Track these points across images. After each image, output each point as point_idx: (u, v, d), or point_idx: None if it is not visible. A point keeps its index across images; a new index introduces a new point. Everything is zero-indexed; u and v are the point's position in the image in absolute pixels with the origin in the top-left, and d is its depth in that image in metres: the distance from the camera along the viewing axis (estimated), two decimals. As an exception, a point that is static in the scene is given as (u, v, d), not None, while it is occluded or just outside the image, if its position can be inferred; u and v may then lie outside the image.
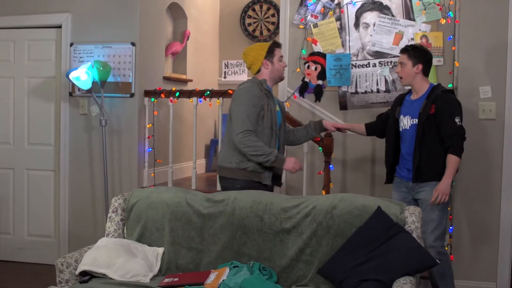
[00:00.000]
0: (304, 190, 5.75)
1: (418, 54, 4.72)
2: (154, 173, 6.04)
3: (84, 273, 3.80)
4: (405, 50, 4.77)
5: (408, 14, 6.00)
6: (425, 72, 4.74)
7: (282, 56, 4.77)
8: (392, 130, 4.84)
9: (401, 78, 4.82)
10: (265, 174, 4.58)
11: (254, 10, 8.22)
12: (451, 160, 4.47)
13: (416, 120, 4.63)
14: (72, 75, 5.57)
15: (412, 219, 3.73)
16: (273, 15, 8.14)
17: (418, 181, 4.64)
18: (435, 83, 4.78)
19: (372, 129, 5.16)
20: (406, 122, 4.72)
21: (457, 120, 4.51)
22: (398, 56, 5.92)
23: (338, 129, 5.08)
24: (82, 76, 5.54)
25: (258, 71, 4.69)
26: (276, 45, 4.76)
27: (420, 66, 4.69)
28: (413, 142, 4.65)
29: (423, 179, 4.61)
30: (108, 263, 3.74)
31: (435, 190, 4.47)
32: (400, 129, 4.78)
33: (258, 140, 4.41)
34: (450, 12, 5.70)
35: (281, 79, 4.89)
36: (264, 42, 5.43)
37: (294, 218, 3.87)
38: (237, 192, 4.14)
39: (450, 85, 5.63)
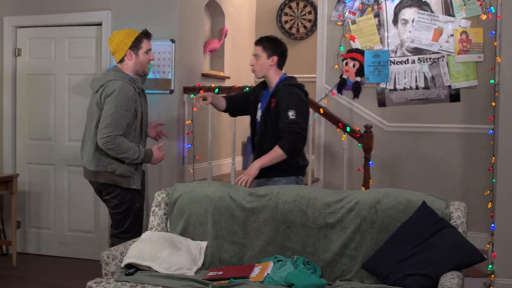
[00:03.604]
0: (345, 187, 5.73)
1: (273, 46, 4.57)
2: (193, 169, 6.07)
3: (129, 266, 3.85)
4: (259, 42, 4.60)
5: (448, 10, 5.97)
6: (280, 65, 4.58)
7: (150, 49, 4.55)
8: (254, 115, 4.69)
9: (253, 70, 4.61)
10: (134, 177, 4.47)
11: (290, 7, 8.22)
12: (273, 150, 4.31)
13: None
14: (113, 72, 5.61)
15: (457, 214, 3.70)
16: (309, 12, 8.13)
17: (261, 177, 4.48)
18: (284, 77, 4.58)
19: (229, 105, 4.88)
20: (259, 114, 4.61)
21: (290, 113, 4.30)
22: (437, 53, 5.96)
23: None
24: (123, 72, 5.58)
25: (121, 60, 4.48)
26: (145, 35, 4.52)
27: (275, 58, 4.53)
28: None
29: (267, 176, 4.47)
30: (153, 256, 3.77)
31: None
32: (256, 117, 4.65)
33: (124, 140, 4.28)
34: (492, 8, 5.65)
35: (145, 74, 4.66)
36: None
37: (338, 212, 3.86)
38: (280, 187, 4.14)
39: (492, 81, 5.57)
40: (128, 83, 4.31)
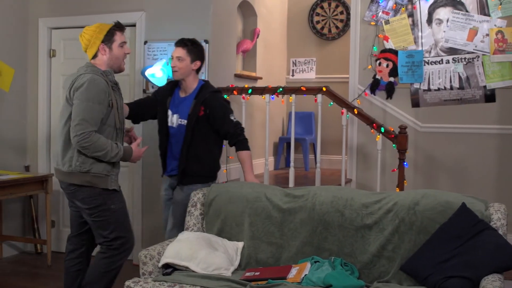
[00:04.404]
0: (378, 188, 5.70)
1: (197, 50, 4.54)
2: (226, 170, 6.08)
3: (166, 266, 3.87)
4: (184, 44, 4.52)
5: (483, 9, 5.91)
6: (198, 70, 4.59)
7: (125, 42, 4.15)
8: (164, 121, 4.59)
9: (175, 72, 4.49)
10: (112, 177, 4.04)
11: (322, 7, 8.20)
12: (244, 156, 4.46)
13: (185, 121, 4.46)
14: (147, 72, 5.64)
15: (497, 216, 3.66)
16: (341, 13, 8.10)
17: (182, 184, 4.52)
18: (204, 81, 4.65)
19: (132, 111, 4.66)
20: (174, 120, 4.53)
21: (232, 117, 4.48)
22: (472, 53, 5.90)
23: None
24: (158, 73, 5.60)
25: (95, 56, 4.08)
26: (118, 28, 4.12)
27: (198, 63, 4.52)
28: (180, 143, 4.49)
29: (187, 182, 4.50)
30: (191, 256, 3.79)
31: None
32: (169, 124, 4.57)
33: (100, 137, 3.87)
34: (529, 7, 5.58)
35: (121, 70, 4.21)
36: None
37: (375, 213, 3.84)
38: (316, 187, 4.13)
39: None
40: (99, 76, 3.94)
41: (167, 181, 4.69)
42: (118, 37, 4.08)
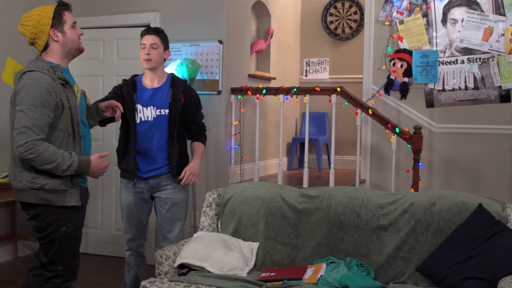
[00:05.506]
0: (393, 189, 5.68)
1: (167, 39, 4.44)
2: (240, 170, 6.08)
3: (182, 266, 3.87)
4: (157, 32, 4.38)
5: (498, 9, 5.87)
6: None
7: (75, 22, 3.57)
8: (133, 118, 4.31)
9: (149, 60, 4.31)
10: (71, 191, 3.41)
11: (336, 7, 8.17)
12: (201, 146, 4.43)
13: (166, 110, 4.29)
14: (162, 73, 5.65)
15: (515, 217, 3.64)
16: (355, 13, 8.07)
17: (177, 176, 4.31)
18: (171, 73, 4.52)
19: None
20: (149, 113, 4.30)
21: (202, 111, 4.53)
22: (488, 53, 5.86)
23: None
24: (172, 73, 5.62)
25: (46, 46, 3.49)
26: (64, 7, 3.53)
27: (168, 53, 4.43)
28: (164, 135, 4.30)
29: (179, 173, 4.30)
30: (206, 256, 3.79)
31: (186, 170, 4.23)
32: (142, 119, 4.31)
33: (49, 146, 3.26)
34: (545, 7, 5.54)
35: (81, 51, 3.65)
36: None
37: (391, 214, 3.83)
38: (332, 188, 4.12)
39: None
40: (45, 73, 3.33)
41: (127, 183, 4.47)
42: (67, 18, 3.52)
